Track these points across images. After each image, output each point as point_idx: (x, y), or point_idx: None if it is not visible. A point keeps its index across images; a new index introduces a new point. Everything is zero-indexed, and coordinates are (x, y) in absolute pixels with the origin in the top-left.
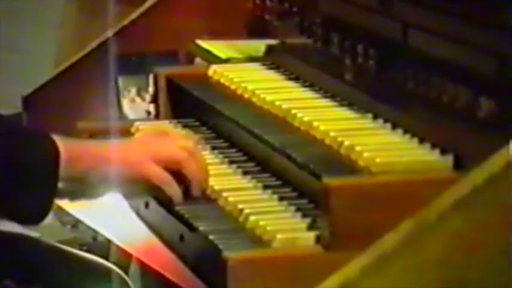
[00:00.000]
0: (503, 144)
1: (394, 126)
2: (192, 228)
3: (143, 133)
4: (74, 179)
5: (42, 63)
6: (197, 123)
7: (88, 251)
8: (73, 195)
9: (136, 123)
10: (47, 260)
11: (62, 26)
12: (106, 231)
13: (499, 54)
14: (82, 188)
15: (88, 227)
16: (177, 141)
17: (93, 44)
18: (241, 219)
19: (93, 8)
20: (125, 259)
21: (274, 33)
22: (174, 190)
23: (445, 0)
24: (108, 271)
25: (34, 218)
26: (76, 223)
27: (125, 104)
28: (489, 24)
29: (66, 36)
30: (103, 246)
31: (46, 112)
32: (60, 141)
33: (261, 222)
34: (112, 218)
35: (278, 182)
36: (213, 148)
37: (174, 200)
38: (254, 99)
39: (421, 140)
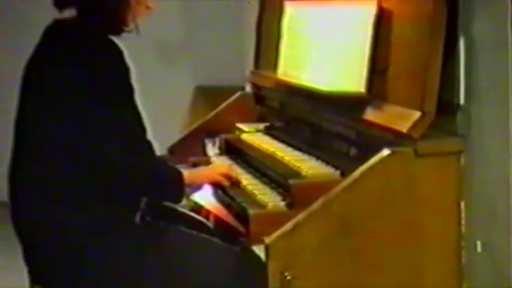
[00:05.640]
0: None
1: (317, 158)
2: (234, 200)
3: (214, 163)
4: (186, 185)
5: (176, 129)
6: (237, 158)
7: (191, 210)
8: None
9: (213, 158)
10: (170, 211)
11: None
12: (201, 201)
13: (357, 130)
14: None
15: (193, 199)
16: (224, 168)
17: (194, 125)
18: (253, 196)
19: (198, 108)
20: (207, 213)
21: (268, 120)
22: (226, 185)
23: (337, 110)
24: (199, 220)
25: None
26: (187, 197)
27: (208, 150)
28: (352, 119)
29: (190, 119)
30: (196, 207)
31: (179, 155)
32: (181, 169)
33: (263, 198)
34: (204, 196)
35: (270, 181)
36: (243, 168)
37: (226, 187)
38: (259, 148)
39: (327, 164)
